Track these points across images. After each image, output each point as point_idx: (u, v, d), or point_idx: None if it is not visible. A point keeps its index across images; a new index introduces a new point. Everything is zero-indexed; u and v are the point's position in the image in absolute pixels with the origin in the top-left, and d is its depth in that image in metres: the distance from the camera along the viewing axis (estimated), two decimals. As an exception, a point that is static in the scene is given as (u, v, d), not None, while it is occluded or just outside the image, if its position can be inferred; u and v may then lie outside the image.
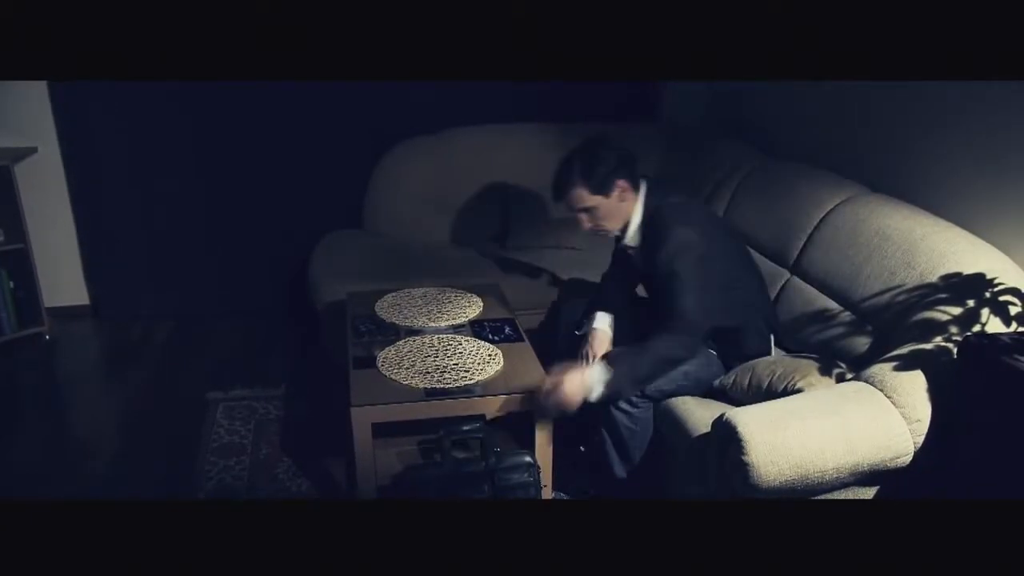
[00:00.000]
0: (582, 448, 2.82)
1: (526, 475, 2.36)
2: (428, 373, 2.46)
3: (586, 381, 2.33)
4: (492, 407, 2.41)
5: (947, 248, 2.31)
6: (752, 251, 3.04)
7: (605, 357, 2.42)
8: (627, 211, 2.49)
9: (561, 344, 2.78)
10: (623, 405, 2.44)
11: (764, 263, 2.96)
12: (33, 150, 3.79)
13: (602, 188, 2.42)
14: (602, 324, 2.65)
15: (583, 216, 2.49)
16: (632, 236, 2.53)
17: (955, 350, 2.00)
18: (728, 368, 2.54)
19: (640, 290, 2.80)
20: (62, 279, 4.05)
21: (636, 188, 2.48)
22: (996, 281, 2.15)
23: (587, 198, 2.43)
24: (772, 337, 2.62)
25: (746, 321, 2.54)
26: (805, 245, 2.79)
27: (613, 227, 2.53)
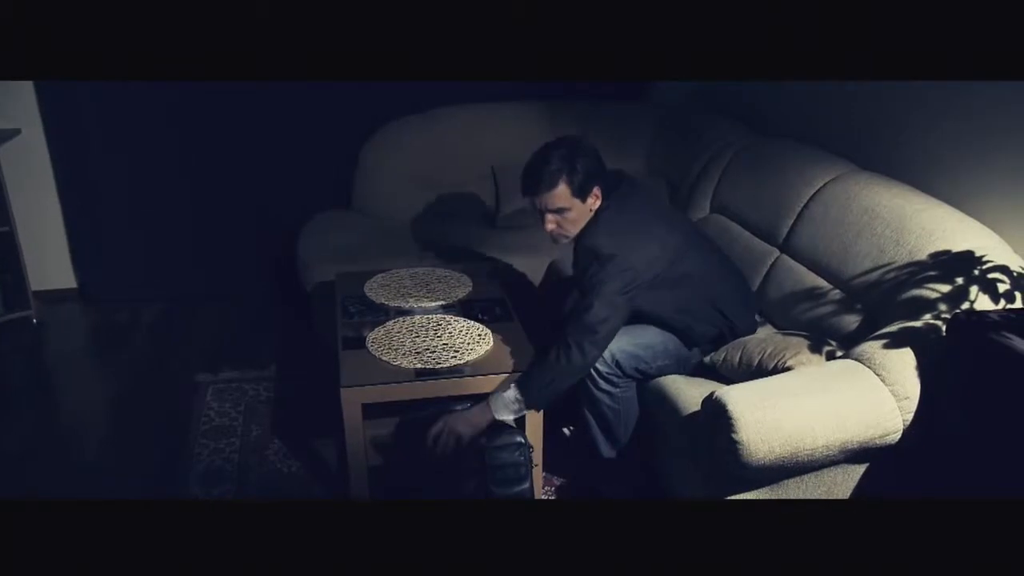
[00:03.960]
0: (567, 431, 2.83)
1: (517, 454, 2.36)
2: (418, 353, 2.45)
3: (480, 414, 2.35)
4: (482, 387, 2.40)
5: (936, 226, 2.31)
6: (742, 231, 3.05)
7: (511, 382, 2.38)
8: (587, 218, 2.41)
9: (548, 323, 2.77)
10: (603, 385, 2.43)
11: (753, 241, 2.96)
12: (17, 132, 3.75)
13: (582, 191, 2.33)
14: None
15: (551, 216, 2.38)
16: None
17: (944, 328, 2.01)
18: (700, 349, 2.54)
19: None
20: (49, 262, 4.02)
21: (605, 195, 2.40)
22: (985, 258, 2.16)
23: (566, 199, 2.33)
24: (731, 330, 2.55)
25: (682, 313, 2.47)
26: (795, 223, 2.79)
27: (573, 233, 2.42)
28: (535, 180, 2.34)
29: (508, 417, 2.36)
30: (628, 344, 2.42)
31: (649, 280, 2.36)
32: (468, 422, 2.35)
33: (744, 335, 2.54)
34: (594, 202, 2.38)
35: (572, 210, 2.36)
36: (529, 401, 2.34)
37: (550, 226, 2.40)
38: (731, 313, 2.52)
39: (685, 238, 2.49)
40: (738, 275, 2.70)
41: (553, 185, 2.32)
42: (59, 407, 3.29)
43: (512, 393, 2.33)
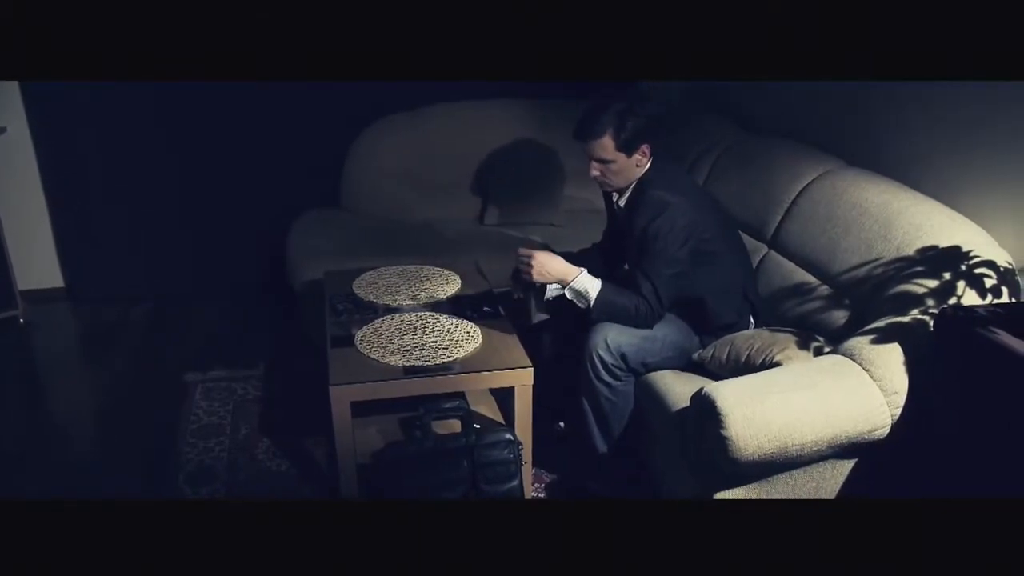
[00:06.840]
0: (559, 425, 2.83)
1: (506, 452, 2.36)
2: (407, 351, 2.45)
3: (566, 271, 2.45)
4: (471, 384, 2.40)
5: (924, 221, 2.32)
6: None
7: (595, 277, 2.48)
8: (636, 173, 2.50)
9: (540, 320, 2.78)
10: (605, 376, 2.43)
11: (742, 238, 2.96)
12: (2, 130, 3.72)
13: (627, 147, 2.41)
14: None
15: (596, 164, 2.47)
16: (625, 197, 2.56)
17: (932, 323, 2.01)
18: (700, 340, 2.55)
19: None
20: (35, 261, 3.99)
21: (653, 154, 2.49)
22: (972, 254, 2.16)
23: (610, 152, 2.42)
24: (752, 315, 2.62)
25: (718, 293, 2.53)
26: (783, 219, 2.79)
27: (618, 184, 2.52)
28: (584, 128, 2.43)
29: (570, 295, 2.47)
30: (635, 336, 2.43)
31: (694, 245, 2.43)
32: (553, 267, 2.46)
33: (756, 324, 2.58)
34: (641, 159, 2.46)
35: (616, 163, 2.44)
36: (593, 312, 2.44)
37: (594, 172, 2.50)
38: (754, 296, 2.61)
39: (721, 219, 2.62)
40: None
41: (599, 136, 2.40)
42: (47, 407, 3.28)
43: (592, 292, 2.43)
